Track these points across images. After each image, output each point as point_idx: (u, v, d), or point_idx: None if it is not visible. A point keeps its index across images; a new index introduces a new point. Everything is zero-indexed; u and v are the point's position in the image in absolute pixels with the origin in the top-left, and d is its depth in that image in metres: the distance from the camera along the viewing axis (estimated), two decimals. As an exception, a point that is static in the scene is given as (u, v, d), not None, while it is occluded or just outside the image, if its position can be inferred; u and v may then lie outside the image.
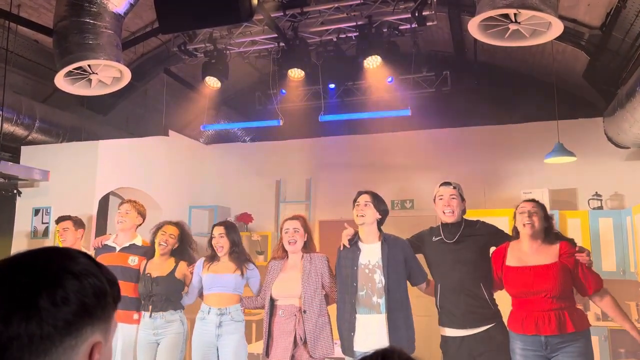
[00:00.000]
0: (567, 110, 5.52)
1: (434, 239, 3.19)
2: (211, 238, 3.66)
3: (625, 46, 4.75)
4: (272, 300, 3.32)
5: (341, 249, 3.23)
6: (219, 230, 3.63)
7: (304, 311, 3.19)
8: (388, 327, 2.98)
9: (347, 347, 3.09)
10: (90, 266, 0.80)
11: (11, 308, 0.72)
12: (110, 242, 3.96)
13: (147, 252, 3.80)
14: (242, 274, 3.55)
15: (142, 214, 4.03)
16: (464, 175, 5.38)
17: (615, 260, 5.37)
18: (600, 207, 5.68)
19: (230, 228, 3.67)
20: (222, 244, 3.59)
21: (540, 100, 5.96)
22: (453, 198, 3.14)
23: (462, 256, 3.06)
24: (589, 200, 5.74)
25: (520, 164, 6.11)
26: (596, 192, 5.72)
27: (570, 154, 5.07)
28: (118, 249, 3.90)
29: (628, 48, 4.73)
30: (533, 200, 3.07)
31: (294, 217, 3.42)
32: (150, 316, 3.61)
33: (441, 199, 3.17)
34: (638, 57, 4.60)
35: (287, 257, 3.40)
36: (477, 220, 3.23)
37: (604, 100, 5.62)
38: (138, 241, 3.95)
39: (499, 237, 3.17)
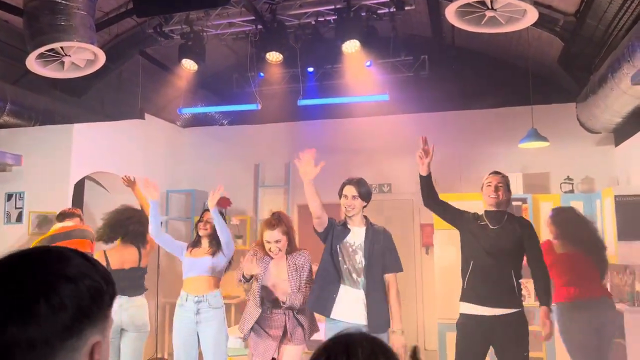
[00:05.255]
0: (541, 95, 5.60)
1: (479, 222, 3.36)
2: (199, 221, 3.71)
3: (598, 33, 4.82)
4: (261, 298, 3.38)
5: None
6: (209, 216, 3.71)
7: (290, 308, 3.32)
8: (367, 303, 3.13)
9: (327, 308, 3.15)
10: (85, 267, 0.79)
11: (8, 315, 0.71)
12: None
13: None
14: (215, 254, 3.63)
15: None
16: (441, 159, 5.41)
17: (585, 242, 5.52)
18: (572, 191, 5.82)
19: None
20: (208, 227, 3.69)
21: (515, 86, 6.04)
22: (500, 185, 3.32)
23: (501, 242, 3.25)
24: (561, 184, 5.88)
25: (496, 148, 6.21)
26: (568, 176, 5.86)
27: (544, 139, 5.18)
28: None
29: (601, 34, 4.80)
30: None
31: (272, 224, 3.30)
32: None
33: (489, 185, 3.34)
34: (611, 43, 4.68)
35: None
36: (520, 217, 3.54)
37: (577, 86, 5.72)
38: None
39: (532, 234, 3.37)
